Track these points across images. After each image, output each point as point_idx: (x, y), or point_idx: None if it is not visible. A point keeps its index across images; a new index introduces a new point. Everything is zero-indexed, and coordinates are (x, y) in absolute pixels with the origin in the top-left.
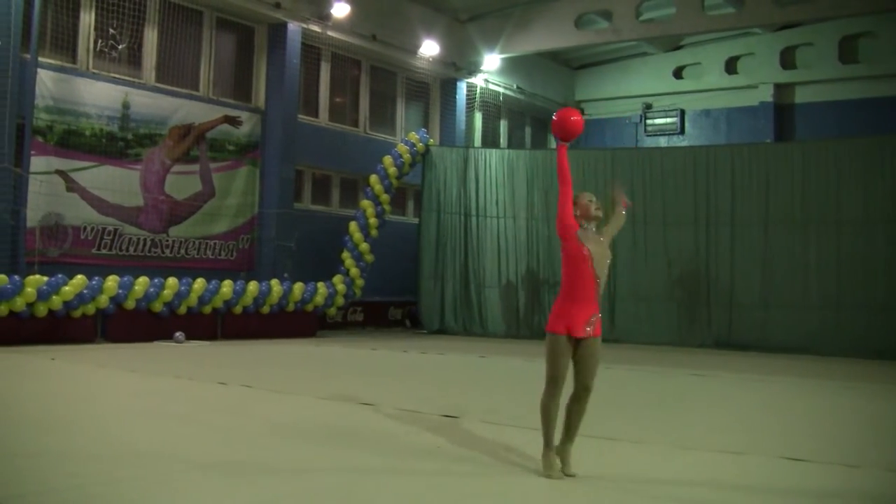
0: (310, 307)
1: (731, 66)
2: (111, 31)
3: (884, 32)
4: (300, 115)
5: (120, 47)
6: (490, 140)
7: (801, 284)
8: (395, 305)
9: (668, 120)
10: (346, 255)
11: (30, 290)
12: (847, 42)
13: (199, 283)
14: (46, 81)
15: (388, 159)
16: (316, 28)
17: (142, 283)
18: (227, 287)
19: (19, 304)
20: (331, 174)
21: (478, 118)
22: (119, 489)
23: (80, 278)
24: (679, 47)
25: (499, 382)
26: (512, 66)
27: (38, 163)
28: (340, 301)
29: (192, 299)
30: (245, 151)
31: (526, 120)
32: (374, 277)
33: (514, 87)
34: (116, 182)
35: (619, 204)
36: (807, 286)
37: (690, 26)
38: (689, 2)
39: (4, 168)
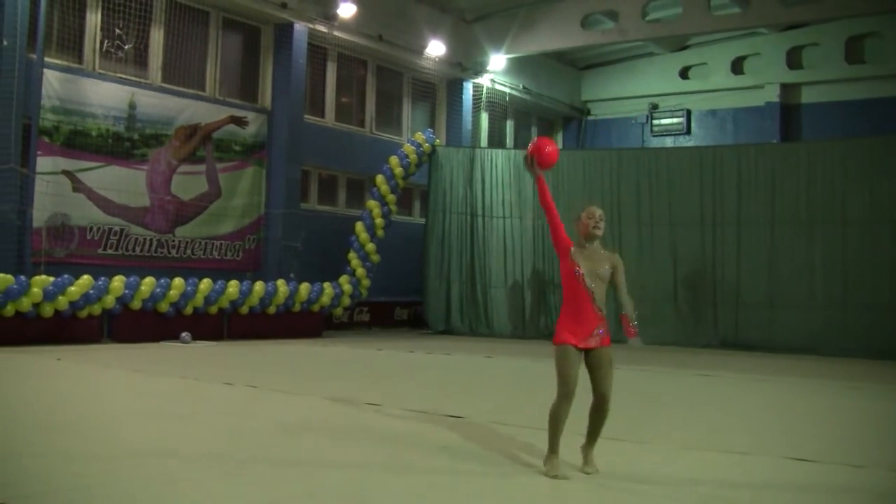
0: (316, 307)
1: (737, 67)
2: (117, 31)
3: (890, 33)
4: (306, 116)
5: (126, 47)
6: (496, 140)
7: (806, 284)
8: (401, 306)
9: (675, 120)
10: (352, 255)
11: (36, 291)
12: (853, 42)
13: (206, 284)
14: (53, 82)
15: (394, 159)
16: (322, 28)
17: (148, 284)
18: (233, 287)
19: (25, 304)
20: (337, 174)
21: (484, 118)
22: (124, 489)
23: (86, 278)
24: (685, 47)
25: (505, 383)
26: (518, 67)
27: (44, 163)
28: (346, 301)
29: (199, 300)
30: (251, 152)
31: (532, 120)
32: (380, 278)
33: (521, 87)
34: (122, 182)
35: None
36: (812, 286)
37: (696, 26)
38: (695, 2)
39: (11, 168)
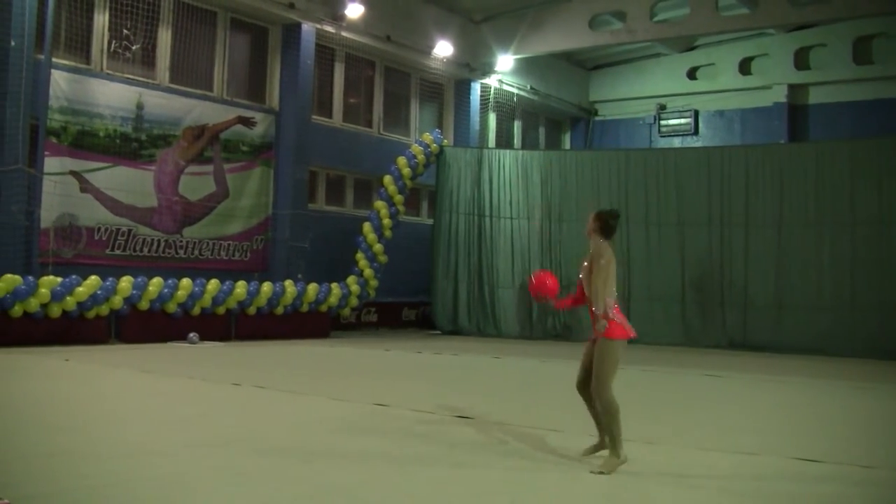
0: (323, 308)
1: (744, 67)
2: (125, 31)
3: None
4: (314, 116)
5: (134, 48)
6: (504, 141)
7: (814, 285)
8: (408, 306)
9: (682, 120)
10: (359, 255)
11: (44, 291)
12: (861, 43)
13: (213, 284)
14: (60, 82)
15: (402, 160)
16: (330, 29)
17: (155, 284)
18: (240, 288)
19: (33, 304)
20: (344, 175)
21: (492, 119)
22: (132, 489)
23: (93, 279)
24: (693, 48)
25: (513, 384)
26: (526, 67)
27: (51, 163)
28: (354, 302)
29: (206, 300)
30: (259, 152)
31: (540, 121)
32: (387, 278)
33: (528, 87)
34: (130, 183)
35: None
36: (821, 287)
37: (704, 27)
38: (703, 2)
39: (18, 169)
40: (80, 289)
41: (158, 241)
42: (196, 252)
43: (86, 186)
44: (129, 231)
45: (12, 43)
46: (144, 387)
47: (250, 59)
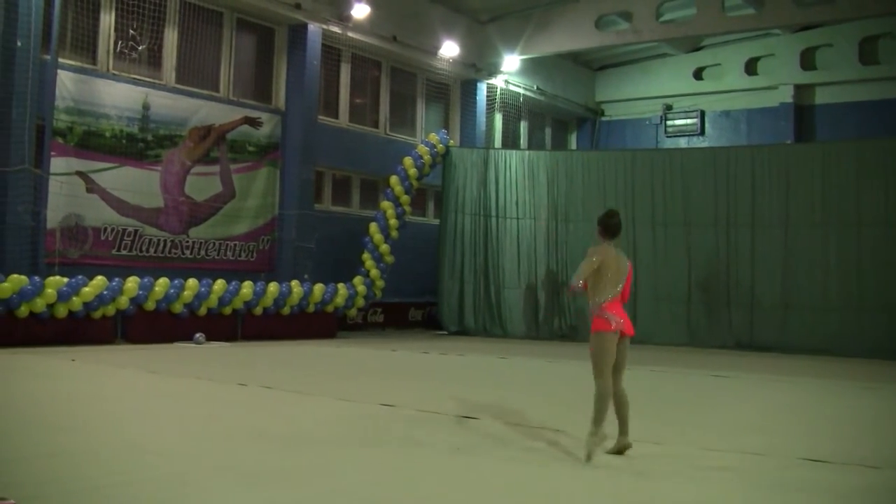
0: (330, 308)
1: (751, 67)
2: (131, 32)
3: None
4: (320, 117)
5: (140, 48)
6: (510, 141)
7: (821, 285)
8: (415, 307)
9: (688, 121)
10: (366, 256)
11: (50, 292)
12: (867, 43)
13: (219, 285)
14: (66, 82)
15: (408, 160)
16: (336, 29)
17: (162, 285)
18: (247, 288)
19: (39, 305)
20: (351, 175)
21: (498, 119)
22: (137, 490)
23: (100, 279)
24: (699, 48)
25: (520, 384)
26: (532, 68)
27: (57, 164)
28: (360, 302)
29: (212, 300)
30: (265, 152)
31: (546, 121)
32: (394, 278)
33: (535, 88)
34: (136, 183)
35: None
36: (827, 287)
37: (710, 27)
38: (709, 3)
39: (24, 169)
40: (87, 289)
41: (165, 241)
42: (202, 252)
43: (92, 187)
44: (136, 231)
45: (18, 43)
46: (150, 387)
47: (256, 60)
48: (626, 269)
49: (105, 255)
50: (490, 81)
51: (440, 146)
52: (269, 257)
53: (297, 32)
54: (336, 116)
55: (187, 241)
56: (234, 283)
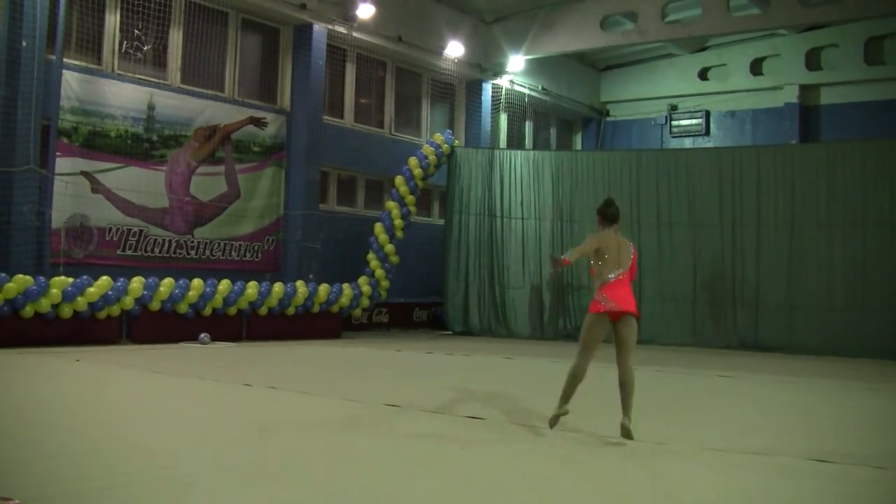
0: (335, 308)
1: (756, 68)
2: (136, 32)
3: None
4: (325, 117)
5: (145, 48)
6: (515, 141)
7: (826, 286)
8: (420, 307)
9: (694, 121)
10: (371, 256)
11: (55, 292)
12: (873, 43)
13: (224, 285)
14: (71, 82)
15: (413, 160)
16: (341, 29)
17: (167, 285)
18: (252, 288)
19: (44, 305)
20: (356, 175)
21: (503, 119)
22: (141, 491)
23: (105, 279)
24: (704, 48)
25: (525, 384)
26: (537, 68)
27: (63, 164)
28: (365, 302)
29: (217, 301)
30: (270, 153)
31: (551, 121)
32: (399, 279)
33: (540, 88)
34: (141, 183)
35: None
36: (832, 288)
37: (716, 27)
38: (714, 3)
39: (30, 169)
40: (92, 289)
41: (170, 241)
42: (207, 252)
43: (97, 187)
44: (141, 231)
45: (24, 43)
46: (155, 387)
47: (262, 60)
48: (630, 252)
49: (110, 256)
50: (495, 81)
51: (445, 146)
52: (275, 257)
53: (303, 32)
54: (341, 116)
55: (192, 242)
56: (239, 283)
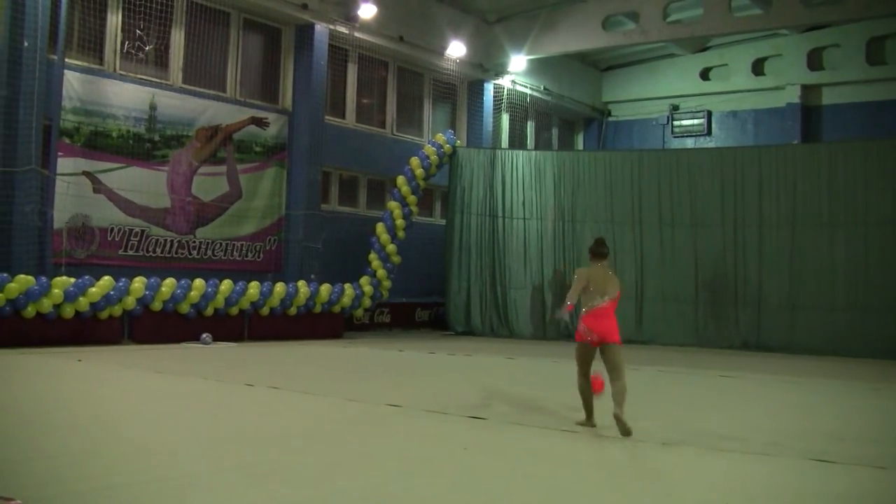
0: (336, 309)
1: (758, 68)
2: (138, 32)
3: None
4: (327, 117)
5: (147, 49)
6: (517, 141)
7: (828, 286)
8: (421, 307)
9: (695, 121)
10: (373, 256)
11: (57, 292)
12: (874, 43)
13: (226, 285)
14: (73, 83)
15: (415, 160)
16: (343, 29)
17: (168, 285)
18: (253, 288)
19: (46, 305)
20: (358, 175)
21: (505, 119)
22: (143, 491)
23: (106, 280)
24: (706, 48)
25: (527, 384)
26: (539, 68)
27: (64, 164)
28: (367, 302)
29: (219, 301)
30: (272, 153)
31: (553, 121)
32: (400, 279)
33: (542, 88)
34: (143, 183)
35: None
36: (834, 288)
37: (718, 27)
38: (716, 3)
39: (31, 169)
40: (93, 289)
41: (171, 241)
42: (209, 253)
43: (99, 187)
44: (142, 232)
45: (25, 43)
46: (157, 387)
47: (263, 60)
48: (616, 285)
49: (112, 256)
50: (497, 82)
51: (447, 146)
52: (276, 257)
53: (304, 33)
54: (343, 117)
55: (194, 242)
56: (240, 283)
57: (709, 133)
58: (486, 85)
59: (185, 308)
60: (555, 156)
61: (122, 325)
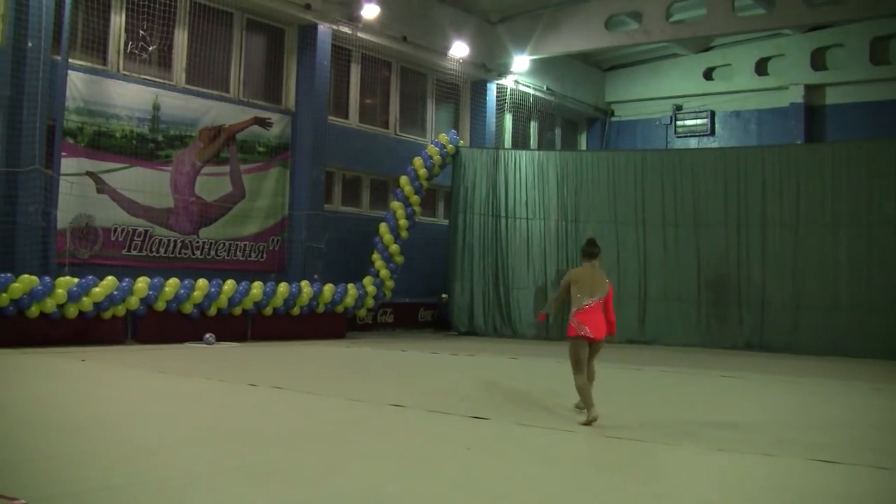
0: (340, 309)
1: (761, 68)
2: (141, 32)
3: None
4: (330, 117)
5: (150, 49)
6: (520, 141)
7: (831, 286)
8: (425, 307)
9: (699, 121)
10: (376, 256)
11: (60, 292)
12: (878, 43)
13: (230, 285)
14: (77, 83)
15: (418, 160)
16: (346, 30)
17: (172, 285)
18: (257, 288)
19: (50, 305)
20: (361, 175)
21: (508, 119)
22: (145, 491)
23: (110, 280)
24: (709, 48)
25: (530, 384)
26: (542, 68)
27: (68, 164)
28: (370, 302)
29: (223, 301)
30: (275, 153)
31: (556, 121)
32: (403, 279)
33: (545, 88)
34: (147, 183)
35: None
36: (837, 288)
37: (721, 27)
38: (719, 3)
39: (35, 170)
40: (97, 289)
41: (175, 241)
42: (212, 253)
43: (102, 187)
44: (146, 232)
45: (29, 44)
46: (160, 388)
47: (267, 60)
48: (606, 286)
49: (115, 256)
50: (500, 82)
51: (450, 146)
52: (280, 257)
53: (308, 33)
54: (346, 117)
55: (197, 242)
56: (244, 283)
57: (712, 133)
58: (489, 85)
59: (188, 308)
60: (558, 156)
61: (126, 325)
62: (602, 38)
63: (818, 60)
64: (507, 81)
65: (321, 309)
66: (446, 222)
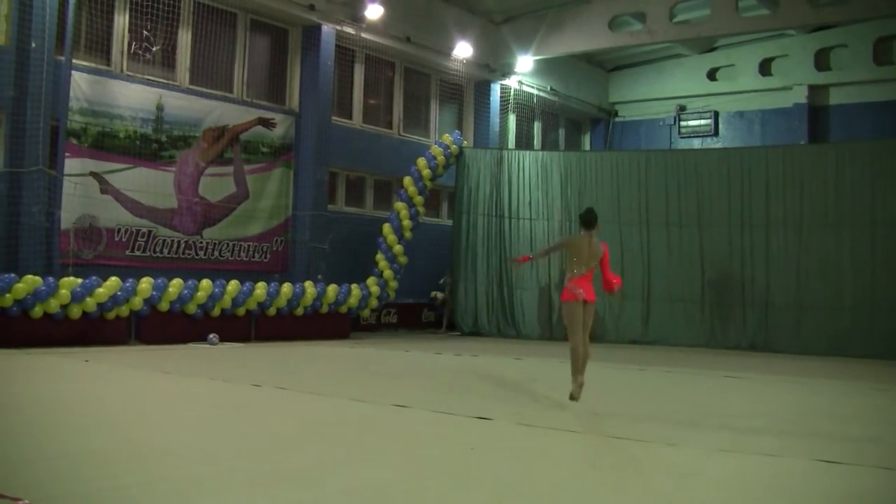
0: (343, 309)
1: (765, 68)
2: (145, 33)
3: None
4: (334, 117)
5: (154, 49)
6: (524, 142)
7: (834, 286)
8: (428, 307)
9: (702, 122)
10: (379, 256)
11: (64, 292)
12: (882, 43)
13: (233, 285)
14: (80, 83)
15: (421, 161)
16: (350, 30)
17: (175, 285)
18: (260, 289)
19: (53, 305)
20: (364, 176)
21: (511, 120)
22: (149, 492)
23: (113, 280)
24: (713, 49)
25: (534, 385)
26: (546, 68)
27: (72, 165)
28: (374, 303)
29: (226, 301)
30: (279, 153)
31: (560, 121)
32: (407, 279)
33: (548, 88)
34: (150, 184)
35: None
36: (841, 288)
37: (724, 28)
38: (723, 3)
39: (39, 170)
40: (101, 290)
41: (178, 242)
42: (216, 253)
43: (106, 188)
44: (150, 232)
45: (33, 44)
46: (163, 388)
47: (270, 61)
48: (600, 252)
49: (119, 256)
50: (504, 82)
51: (454, 147)
52: (283, 258)
53: (311, 33)
54: (350, 117)
55: (201, 242)
56: (247, 283)
57: (716, 133)
58: (492, 85)
59: (192, 308)
60: (561, 156)
61: (129, 325)
62: (606, 39)
63: (822, 61)
64: (511, 82)
65: (325, 309)
66: (450, 223)
